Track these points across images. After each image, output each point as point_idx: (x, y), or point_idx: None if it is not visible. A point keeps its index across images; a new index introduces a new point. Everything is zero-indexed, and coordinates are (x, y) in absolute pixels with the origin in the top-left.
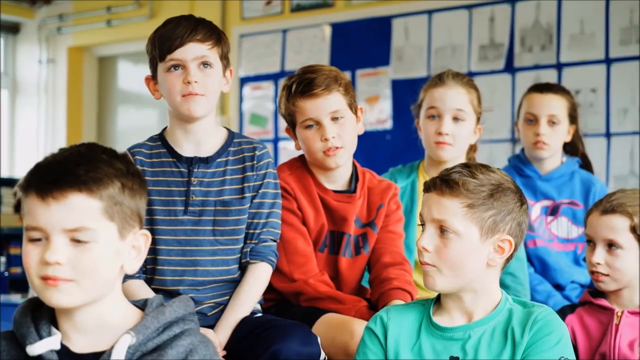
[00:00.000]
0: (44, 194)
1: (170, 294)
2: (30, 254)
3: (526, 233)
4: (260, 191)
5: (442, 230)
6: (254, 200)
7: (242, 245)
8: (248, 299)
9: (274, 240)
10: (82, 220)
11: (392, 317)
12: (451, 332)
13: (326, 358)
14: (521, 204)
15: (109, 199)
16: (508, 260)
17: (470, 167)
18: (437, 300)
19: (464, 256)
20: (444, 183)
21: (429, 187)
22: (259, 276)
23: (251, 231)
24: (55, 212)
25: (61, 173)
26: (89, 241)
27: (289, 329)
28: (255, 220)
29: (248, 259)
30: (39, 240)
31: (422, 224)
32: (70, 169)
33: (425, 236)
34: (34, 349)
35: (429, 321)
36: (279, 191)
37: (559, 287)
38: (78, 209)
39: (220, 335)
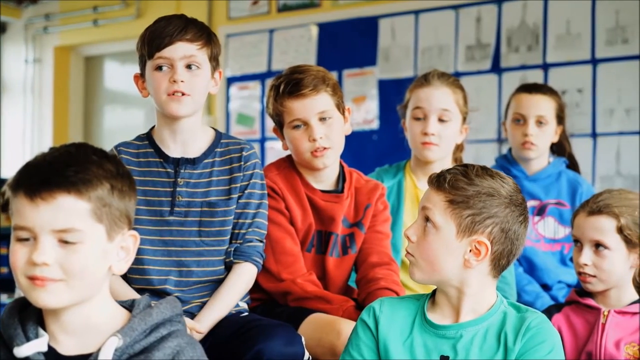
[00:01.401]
0: (32, 194)
1: (157, 294)
2: (18, 253)
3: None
4: (246, 191)
5: (427, 218)
6: (240, 200)
7: (227, 246)
8: (227, 298)
9: (260, 241)
10: (70, 222)
11: (385, 310)
12: (443, 330)
13: (310, 358)
14: (510, 212)
15: (97, 201)
16: (496, 267)
17: (469, 168)
18: (432, 297)
19: (439, 251)
20: (437, 178)
21: (428, 181)
22: (242, 276)
23: (237, 231)
24: (43, 213)
25: (50, 174)
26: (77, 242)
27: (273, 329)
28: (241, 220)
29: (232, 259)
30: (26, 240)
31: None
32: (60, 170)
33: (412, 226)
34: (21, 351)
35: (423, 317)
36: (266, 192)
37: (546, 287)
38: (66, 210)
39: (195, 335)
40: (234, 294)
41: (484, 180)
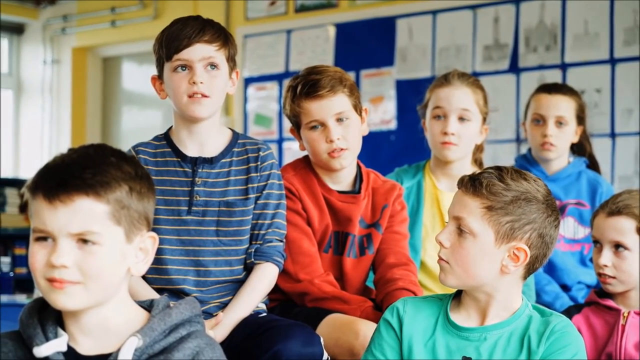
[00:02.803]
0: (51, 196)
1: (175, 294)
2: (37, 255)
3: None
4: (264, 192)
5: (460, 228)
6: (259, 201)
7: (246, 246)
8: (249, 299)
9: (280, 241)
10: (89, 224)
11: (409, 310)
12: (467, 332)
13: (329, 358)
14: (547, 216)
15: (116, 203)
16: (529, 271)
17: (503, 171)
18: (455, 297)
19: (477, 257)
20: (471, 182)
21: (459, 183)
22: (263, 276)
23: (256, 232)
24: (61, 215)
25: (68, 176)
26: (95, 244)
27: (290, 330)
28: (260, 221)
29: (253, 260)
30: (45, 241)
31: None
32: (78, 173)
33: (444, 231)
34: (40, 351)
35: (446, 318)
36: (284, 192)
37: (565, 288)
38: (84, 212)
39: (217, 333)
40: (255, 294)
41: (520, 184)
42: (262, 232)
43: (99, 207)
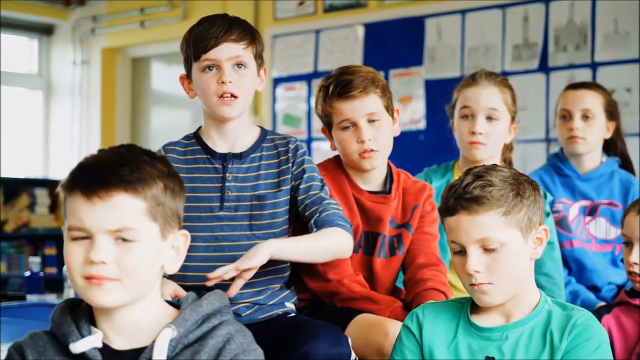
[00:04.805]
0: (89, 193)
1: (208, 291)
2: (74, 254)
3: (563, 234)
4: (305, 176)
5: (487, 246)
6: (301, 186)
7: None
8: (302, 239)
9: (337, 209)
10: (126, 221)
11: (428, 315)
12: (489, 332)
13: (357, 359)
14: (535, 189)
15: (152, 200)
16: None
17: (481, 175)
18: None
19: (515, 262)
20: (471, 201)
21: (451, 210)
22: (328, 232)
23: (309, 212)
24: (100, 212)
25: (106, 173)
26: (133, 241)
27: (318, 330)
28: (309, 201)
29: (314, 231)
30: (82, 239)
31: (459, 250)
32: (115, 169)
33: (472, 260)
34: (77, 347)
35: (467, 320)
36: (322, 178)
37: (595, 289)
38: (122, 209)
39: (258, 249)
40: (312, 239)
41: (502, 175)
42: (315, 207)
43: (136, 203)
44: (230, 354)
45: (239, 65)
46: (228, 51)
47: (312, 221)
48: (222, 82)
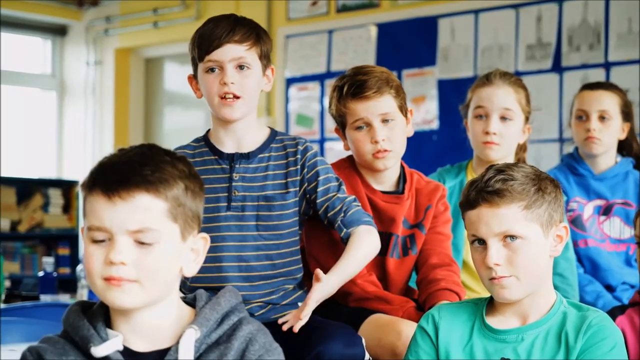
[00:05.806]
0: (110, 193)
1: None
2: (94, 255)
3: (577, 233)
4: (319, 178)
5: (507, 240)
6: (318, 189)
7: (286, 240)
8: (349, 258)
9: (358, 205)
10: (147, 221)
11: (444, 316)
12: (504, 334)
13: (370, 359)
14: (556, 187)
15: (173, 200)
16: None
17: (503, 170)
18: (490, 301)
19: (536, 256)
20: (493, 194)
21: (472, 203)
22: (360, 237)
23: (330, 213)
24: (120, 212)
25: (128, 173)
26: (153, 242)
27: (332, 331)
28: (329, 202)
29: (342, 235)
30: (102, 241)
31: (475, 240)
32: (137, 169)
33: (492, 252)
34: (99, 351)
35: (482, 322)
36: (338, 176)
37: (609, 288)
38: (143, 209)
39: (316, 294)
40: (354, 257)
41: (523, 171)
42: (337, 207)
43: (157, 204)
44: (255, 355)
45: (242, 66)
46: (230, 52)
47: (339, 222)
48: (224, 83)
